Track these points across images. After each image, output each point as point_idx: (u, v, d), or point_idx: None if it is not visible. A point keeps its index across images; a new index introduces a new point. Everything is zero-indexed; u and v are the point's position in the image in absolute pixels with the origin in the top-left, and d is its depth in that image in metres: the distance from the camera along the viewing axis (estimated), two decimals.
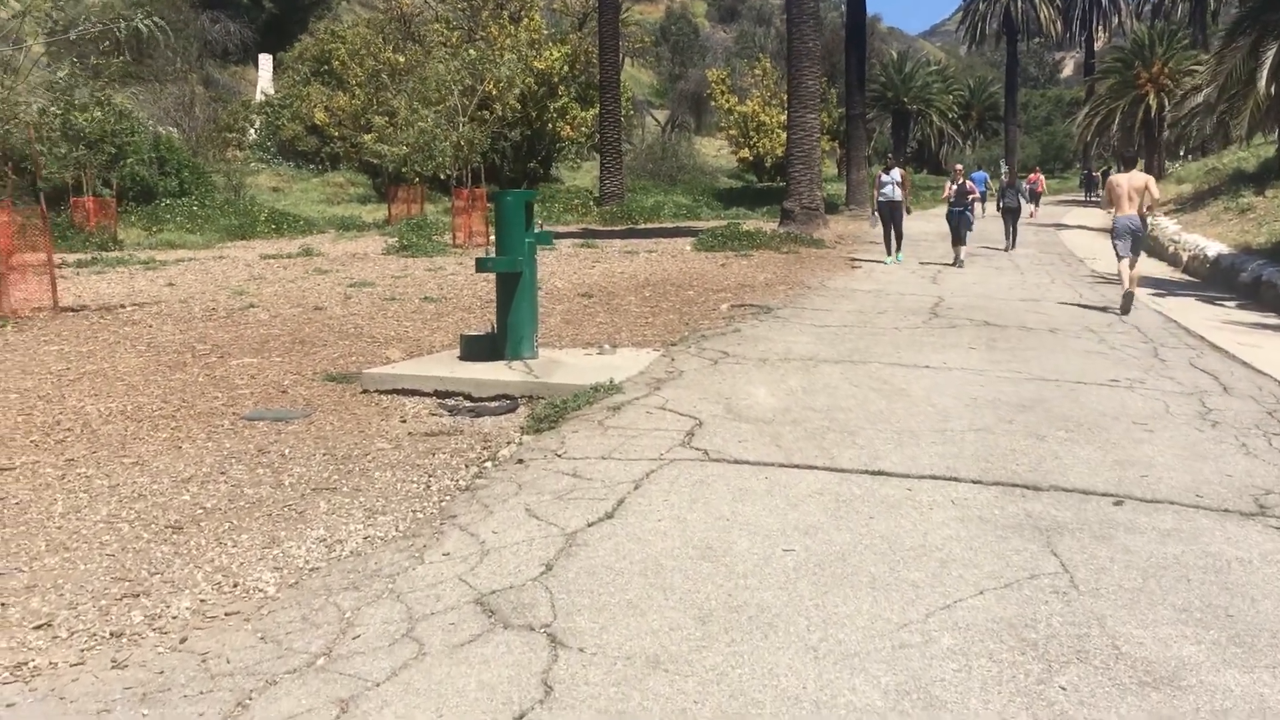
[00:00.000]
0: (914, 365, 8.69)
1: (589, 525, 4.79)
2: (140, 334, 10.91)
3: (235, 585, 4.31)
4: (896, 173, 18.54)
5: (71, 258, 20.53)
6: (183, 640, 3.78)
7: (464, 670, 3.44)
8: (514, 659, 3.51)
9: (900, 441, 6.25)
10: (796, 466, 5.71)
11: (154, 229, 27.21)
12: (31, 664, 3.61)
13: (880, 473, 5.61)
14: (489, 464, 6.00)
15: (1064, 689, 3.33)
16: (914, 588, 4.09)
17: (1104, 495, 5.28)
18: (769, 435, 6.36)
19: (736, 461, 5.80)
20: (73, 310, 12.75)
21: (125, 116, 28.81)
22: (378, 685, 3.36)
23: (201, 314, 12.36)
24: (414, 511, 5.23)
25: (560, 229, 29.19)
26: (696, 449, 6.03)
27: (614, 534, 4.67)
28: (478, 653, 3.56)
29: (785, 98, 46.18)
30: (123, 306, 13.11)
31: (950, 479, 5.52)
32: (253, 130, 41.46)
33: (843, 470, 5.65)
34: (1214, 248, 18.14)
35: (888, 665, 3.46)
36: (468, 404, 7.76)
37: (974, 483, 5.47)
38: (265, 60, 47.72)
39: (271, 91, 44.72)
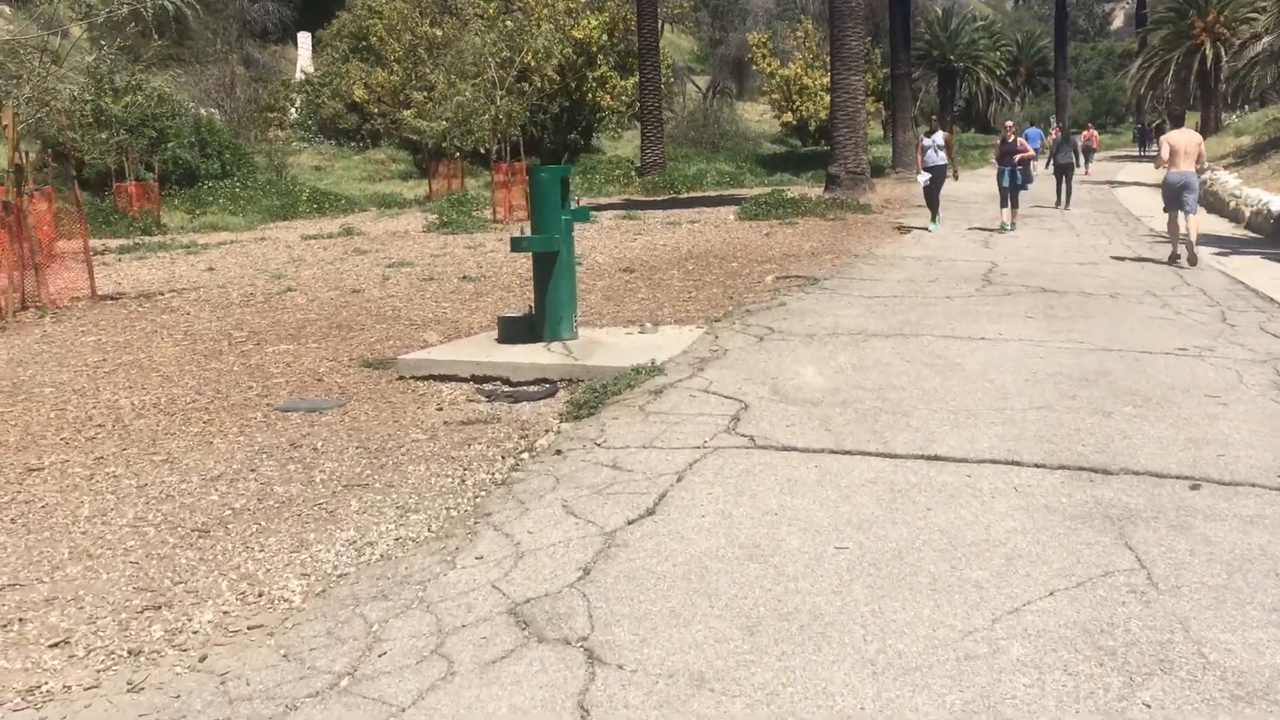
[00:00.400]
0: (968, 337, 8.34)
1: (629, 523, 4.54)
2: (178, 322, 10.80)
3: (260, 595, 4.11)
4: (939, 135, 17.95)
5: (114, 243, 20.55)
6: (202, 659, 3.58)
7: (495, 692, 3.21)
8: (548, 679, 3.28)
9: (957, 422, 5.94)
10: (848, 453, 5.43)
11: (197, 212, 27.24)
12: (44, 687, 3.44)
13: (937, 458, 5.31)
14: (526, 455, 5.77)
15: (1148, 705, 3.04)
16: (978, 589, 3.80)
17: (1178, 478, 4.95)
18: (818, 418, 6.07)
19: (784, 448, 5.52)
20: (112, 298, 12.68)
21: (165, 100, 28.80)
22: (403, 711, 3.14)
23: (239, 299, 12.24)
24: (447, 509, 5.02)
25: (601, 200, 28.90)
26: (742, 435, 5.76)
27: (655, 532, 4.42)
28: (510, 671, 3.34)
29: (828, 60, 45.40)
30: (161, 293, 13.03)
31: (1012, 463, 5.21)
32: (293, 109, 41.43)
33: (897, 456, 5.36)
34: (1278, 202, 17.48)
35: (953, 680, 3.18)
36: (505, 389, 7.54)
37: (1037, 467, 5.15)
38: (304, 38, 47.63)
39: (311, 70, 44.66)
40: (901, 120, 36.34)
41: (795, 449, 5.51)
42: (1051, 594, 3.74)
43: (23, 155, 11.97)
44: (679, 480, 5.07)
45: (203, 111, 33.64)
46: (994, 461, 5.24)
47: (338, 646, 3.59)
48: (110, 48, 15.05)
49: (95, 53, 13.53)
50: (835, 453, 5.43)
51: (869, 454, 5.40)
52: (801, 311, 9.70)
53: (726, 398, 6.57)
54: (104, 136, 22.71)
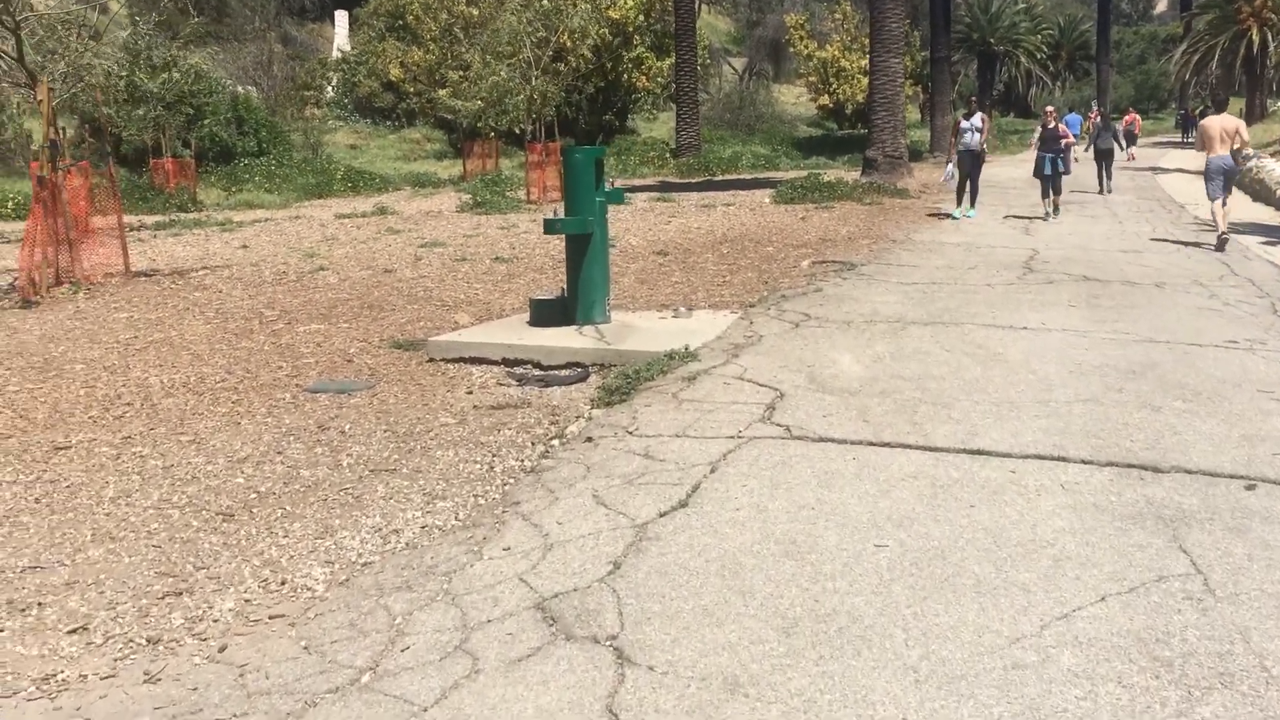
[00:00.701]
0: (1010, 326, 8.14)
1: (661, 515, 4.41)
2: (210, 299, 10.76)
3: (283, 583, 4.01)
4: (979, 118, 17.58)
5: (150, 220, 20.62)
6: (222, 649, 3.49)
7: (520, 693, 3.10)
8: (576, 679, 3.15)
9: (1000, 415, 5.76)
10: (887, 445, 5.27)
11: (233, 189, 27.31)
12: (60, 676, 3.35)
13: (979, 452, 5.14)
14: (556, 442, 5.65)
15: None
16: (1025, 592, 3.64)
17: (1233, 477, 4.76)
18: (856, 408, 5.91)
19: (821, 439, 5.37)
20: (145, 275, 12.66)
21: (203, 77, 28.85)
22: (424, 710, 3.03)
23: (272, 278, 12.18)
24: (475, 496, 4.90)
25: (636, 182, 28.72)
26: (777, 425, 5.61)
27: (688, 526, 4.29)
28: (536, 671, 3.22)
29: (866, 41, 44.89)
30: (195, 271, 13.01)
31: (1058, 459, 5.03)
32: (330, 88, 41.46)
33: (938, 449, 5.19)
34: None
35: (1000, 691, 3.03)
36: (536, 373, 7.42)
37: (1084, 463, 4.97)
38: (341, 17, 47.63)
39: (348, 48, 44.66)
40: (940, 104, 35.90)
41: (832, 440, 5.35)
42: (1103, 599, 3.58)
43: (58, 130, 11.95)
44: (712, 471, 4.93)
45: (240, 89, 33.70)
46: (1039, 457, 5.06)
47: (360, 640, 3.48)
48: (147, 24, 15.01)
49: (131, 28, 13.47)
50: (874, 445, 5.28)
51: (909, 446, 5.23)
52: (838, 298, 9.52)
53: (761, 385, 6.42)
54: (141, 113, 22.76)
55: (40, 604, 3.88)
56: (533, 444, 5.70)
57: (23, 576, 4.13)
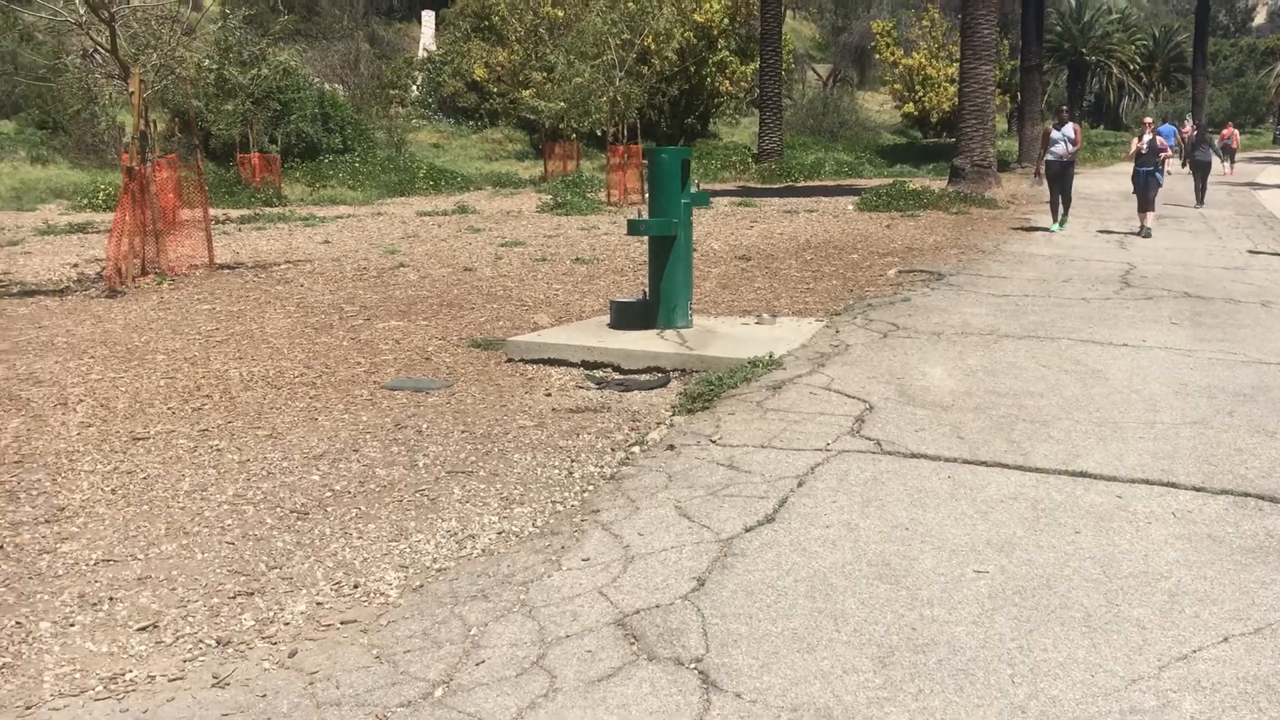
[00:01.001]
0: (1109, 343, 7.80)
1: (746, 530, 4.22)
2: (291, 293, 10.79)
3: (356, 586, 3.90)
4: (1070, 128, 16.99)
5: (236, 213, 20.89)
6: (292, 654, 3.38)
7: (599, 715, 2.93)
8: (659, 704, 2.98)
9: (1102, 435, 5.47)
10: (984, 464, 5.02)
11: (317, 185, 27.60)
12: (129, 676, 3.26)
13: (1083, 474, 4.88)
14: (636, 448, 5.48)
15: None
16: (1139, 629, 3.39)
17: None
18: (949, 424, 5.66)
19: (914, 455, 5.14)
20: (229, 268, 12.77)
21: (291, 73, 29.23)
22: None
23: (353, 273, 12.21)
24: (553, 503, 4.76)
25: (717, 186, 28.50)
26: (867, 439, 5.39)
27: (775, 542, 4.10)
28: (617, 692, 3.05)
29: (953, 49, 44.06)
30: (277, 264, 13.09)
31: (1167, 484, 4.75)
32: (415, 87, 41.83)
33: (1038, 470, 4.93)
34: None
35: None
36: (616, 376, 7.27)
37: (1196, 490, 4.68)
38: (428, 17, 48.05)
39: (434, 48, 45.03)
40: (1029, 114, 35.11)
41: (925, 456, 5.12)
42: (1225, 640, 3.32)
43: (149, 123, 12.09)
44: (800, 485, 4.73)
45: (327, 86, 34.11)
46: (1147, 482, 4.78)
47: (434, 651, 3.35)
48: (236, 19, 15.19)
49: (219, 23, 13.62)
50: (969, 463, 5.03)
51: (1007, 466, 4.98)
52: (927, 308, 9.23)
53: (849, 397, 6.20)
54: (229, 108, 23.11)
55: (112, 599, 3.81)
56: (612, 450, 5.54)
57: (96, 570, 4.07)
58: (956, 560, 3.91)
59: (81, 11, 11.04)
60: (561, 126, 28.23)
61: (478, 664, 3.24)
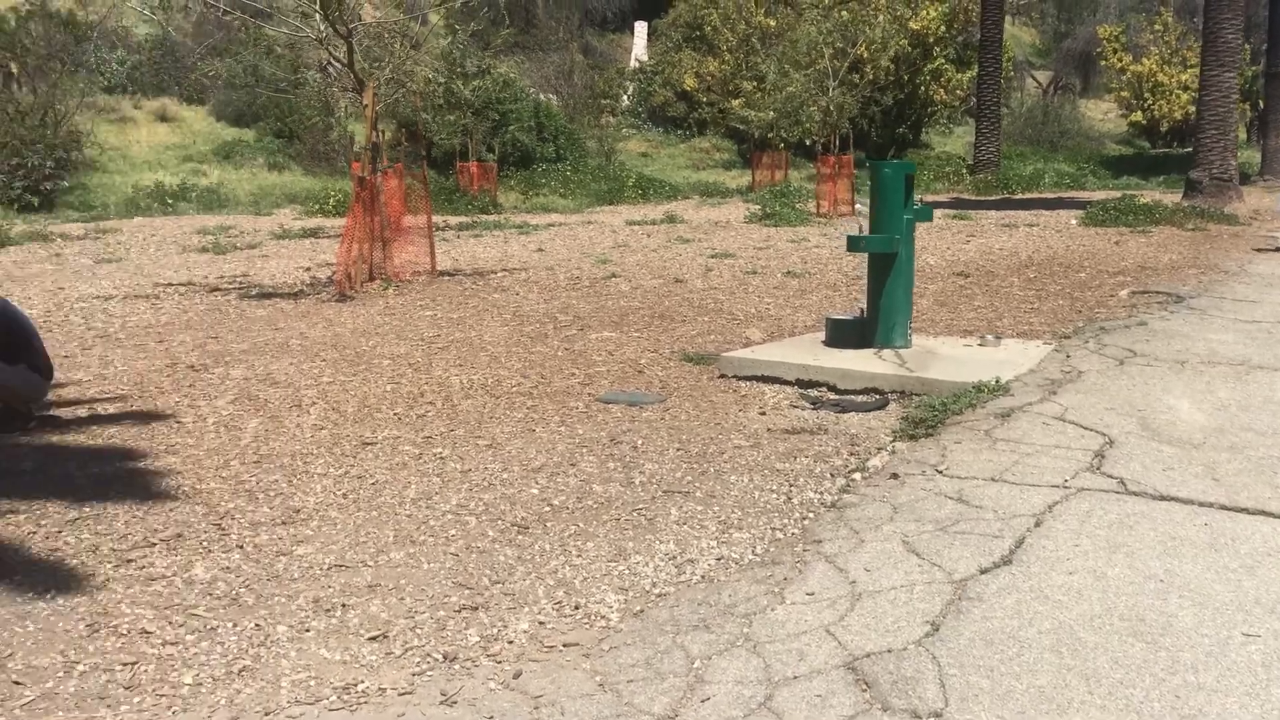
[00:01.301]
0: None
1: (981, 572, 3.98)
2: (507, 301, 11.03)
3: (577, 607, 3.87)
4: None
5: (454, 220, 21.63)
6: (516, 675, 3.36)
7: None
8: None
9: None
10: (1244, 510, 4.60)
11: (529, 193, 28.35)
12: (360, 686, 3.31)
13: None
14: (857, 475, 5.29)
15: None
16: None
17: None
18: (1201, 464, 5.24)
19: (1163, 498, 4.76)
20: (449, 274, 13.18)
21: (510, 84, 30.15)
22: None
23: (566, 282, 12.39)
24: (773, 529, 4.62)
25: (929, 198, 27.73)
26: (1109, 477, 5.03)
27: (1013, 587, 3.85)
28: None
29: (1188, 55, 41.65)
30: (494, 272, 13.43)
31: None
32: (626, 96, 42.48)
33: None
34: None
35: None
36: (832, 397, 7.08)
37: None
38: (640, 27, 48.75)
39: (645, 58, 45.64)
40: (1273, 123, 32.82)
41: (1177, 500, 4.74)
42: None
43: (379, 134, 12.61)
44: (1037, 525, 4.44)
45: (542, 97, 35.02)
46: None
47: (657, 683, 3.27)
48: (464, 34, 15.71)
49: (450, 37, 14.10)
50: (1228, 509, 4.62)
51: (1272, 514, 4.55)
52: (1167, 333, 8.65)
53: (1086, 429, 5.82)
54: (452, 119, 23.99)
55: (344, 605, 3.90)
56: (831, 476, 5.36)
57: (329, 574, 4.19)
58: (1222, 620, 3.57)
59: (321, 27, 11.60)
60: (770, 136, 28.09)
61: (703, 700, 3.15)
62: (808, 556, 4.24)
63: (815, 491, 5.12)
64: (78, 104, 27.59)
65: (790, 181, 31.20)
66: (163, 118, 32.19)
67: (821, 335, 8.31)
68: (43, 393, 6.61)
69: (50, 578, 4.16)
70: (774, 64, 26.83)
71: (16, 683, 3.35)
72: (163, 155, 29.55)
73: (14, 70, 28.33)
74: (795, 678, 3.26)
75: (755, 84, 30.25)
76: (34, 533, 4.65)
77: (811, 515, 4.78)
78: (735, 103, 31.66)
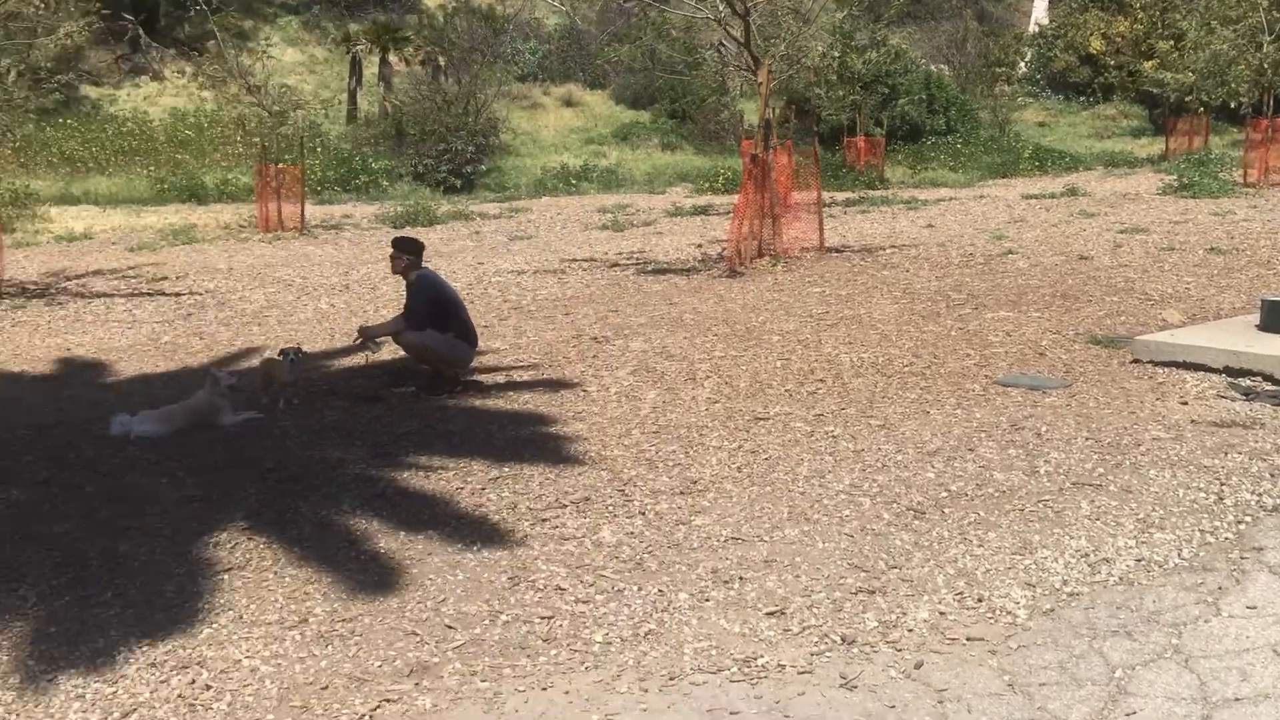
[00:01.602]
0: None
1: None
2: (896, 279, 10.78)
3: (979, 600, 3.69)
4: None
5: (840, 197, 21.46)
6: (917, 665, 3.25)
7: None
8: None
9: None
10: None
11: (918, 167, 27.61)
12: (760, 661, 3.33)
13: None
14: None
15: None
16: None
17: None
18: None
19: None
20: (836, 251, 13.08)
21: (900, 56, 29.48)
22: None
23: (958, 259, 11.94)
24: (1201, 532, 4.20)
25: None
26: None
27: None
28: None
29: None
30: (882, 249, 13.18)
31: None
32: (1023, 63, 40.36)
33: None
34: None
35: None
36: (1269, 388, 6.34)
37: None
38: None
39: (1045, 21, 43.13)
40: None
41: None
42: None
43: (771, 111, 12.69)
44: None
45: (933, 68, 34.01)
46: None
47: (1073, 689, 3.05)
48: (858, 6, 15.51)
49: (843, 11, 13.95)
50: None
51: None
52: None
53: None
54: (841, 93, 23.80)
55: (741, 579, 3.94)
56: (1271, 476, 4.80)
57: (726, 546, 4.25)
58: None
59: (720, 7, 11.80)
60: (1189, 99, 25.69)
61: (1127, 715, 2.90)
62: (1246, 565, 3.81)
63: (1252, 493, 4.60)
64: (495, 92, 29.88)
65: (1211, 149, 28.38)
66: (568, 103, 34.29)
67: (1254, 318, 7.46)
68: (469, 359, 7.20)
69: (475, 531, 4.50)
70: (1196, 20, 24.44)
71: (449, 626, 3.65)
72: (567, 138, 31.49)
73: (442, 63, 31.11)
74: (1237, 699, 2.93)
75: (1172, 43, 27.74)
76: (461, 489, 5.06)
77: (1249, 519, 4.30)
78: (1148, 65, 29.19)
